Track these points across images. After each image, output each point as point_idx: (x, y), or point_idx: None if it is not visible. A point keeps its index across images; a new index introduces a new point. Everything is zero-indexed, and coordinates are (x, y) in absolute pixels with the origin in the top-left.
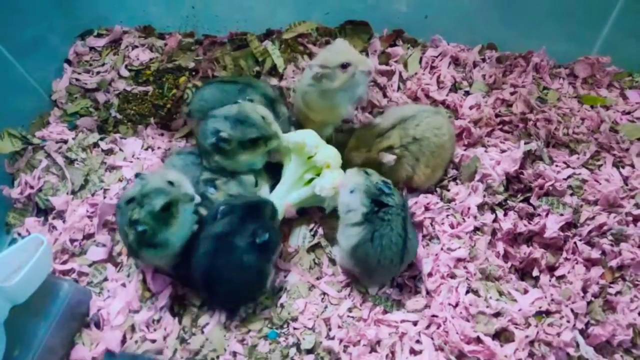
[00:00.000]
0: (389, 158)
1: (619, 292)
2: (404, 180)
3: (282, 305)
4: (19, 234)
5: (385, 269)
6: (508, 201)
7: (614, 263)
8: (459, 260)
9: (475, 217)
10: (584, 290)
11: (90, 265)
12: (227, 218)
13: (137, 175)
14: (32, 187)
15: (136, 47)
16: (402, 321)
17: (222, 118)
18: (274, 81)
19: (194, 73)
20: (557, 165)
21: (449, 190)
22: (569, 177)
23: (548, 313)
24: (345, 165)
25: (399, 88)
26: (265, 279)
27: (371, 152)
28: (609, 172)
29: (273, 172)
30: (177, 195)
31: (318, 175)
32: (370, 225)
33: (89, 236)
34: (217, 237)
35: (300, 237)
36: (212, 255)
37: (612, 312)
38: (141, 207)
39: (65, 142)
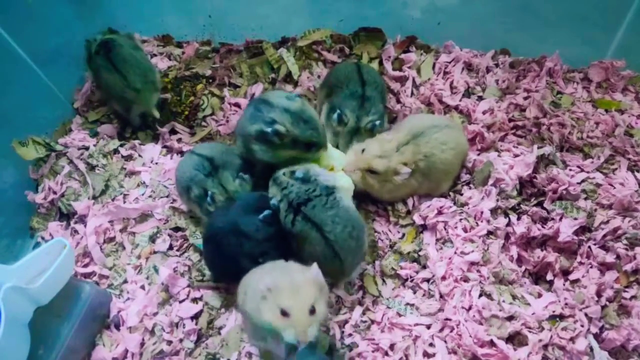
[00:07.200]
0: (406, 170)
1: (633, 297)
2: (407, 195)
3: None
4: (43, 238)
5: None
6: (521, 205)
7: (628, 267)
8: (472, 263)
9: (488, 221)
10: (598, 294)
11: (110, 268)
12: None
13: None
14: (55, 193)
15: (155, 55)
16: (416, 324)
17: (281, 109)
18: (289, 88)
19: (210, 80)
20: (570, 170)
21: (462, 195)
22: (583, 181)
23: (562, 317)
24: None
25: (412, 94)
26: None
27: (391, 163)
28: (624, 176)
29: None
30: None
31: None
32: None
33: (109, 240)
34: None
35: None
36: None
37: (627, 317)
38: None
39: (87, 148)
